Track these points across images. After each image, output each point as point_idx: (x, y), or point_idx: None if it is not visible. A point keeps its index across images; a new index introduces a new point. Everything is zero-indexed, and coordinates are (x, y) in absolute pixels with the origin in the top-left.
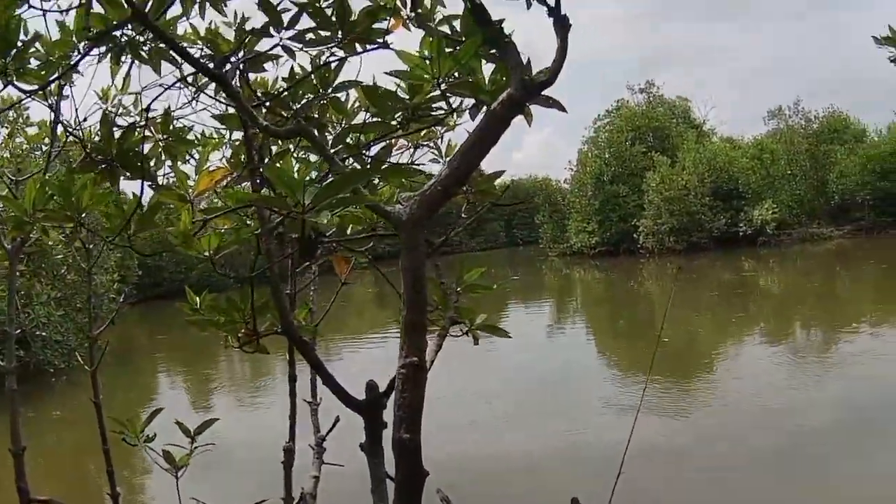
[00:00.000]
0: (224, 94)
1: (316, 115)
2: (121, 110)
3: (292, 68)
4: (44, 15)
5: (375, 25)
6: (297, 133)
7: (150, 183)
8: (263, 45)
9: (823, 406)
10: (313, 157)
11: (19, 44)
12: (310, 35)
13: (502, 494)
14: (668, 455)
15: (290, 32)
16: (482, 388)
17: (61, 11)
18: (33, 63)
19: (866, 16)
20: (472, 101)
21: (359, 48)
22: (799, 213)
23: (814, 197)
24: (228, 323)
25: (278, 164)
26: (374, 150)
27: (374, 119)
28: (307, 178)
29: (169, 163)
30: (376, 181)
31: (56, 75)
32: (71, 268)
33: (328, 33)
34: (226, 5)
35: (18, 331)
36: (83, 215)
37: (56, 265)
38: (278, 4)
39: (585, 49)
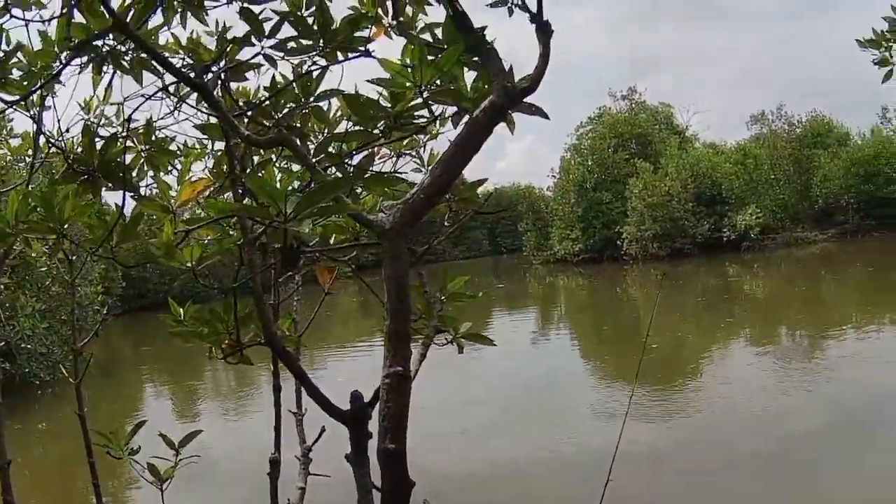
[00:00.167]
0: (206, 104)
1: (298, 125)
2: (103, 121)
3: (274, 77)
4: (26, 25)
5: (357, 34)
6: (279, 142)
7: (132, 194)
8: (245, 54)
9: (813, 410)
10: (296, 167)
11: (1, 54)
12: (291, 44)
13: (489, 502)
14: (655, 461)
15: (272, 41)
16: (467, 397)
17: (43, 21)
18: (15, 74)
19: (846, 20)
20: (455, 109)
21: (340, 56)
22: (783, 218)
23: (797, 201)
24: (212, 334)
25: (260, 174)
26: (357, 159)
27: (357, 128)
28: (289, 187)
29: (151, 173)
30: (359, 190)
31: (38, 85)
32: (55, 280)
33: (310, 42)
34: (207, 14)
35: (2, 343)
36: (65, 227)
37: (40, 277)
38: (260, 13)
39: (568, 56)
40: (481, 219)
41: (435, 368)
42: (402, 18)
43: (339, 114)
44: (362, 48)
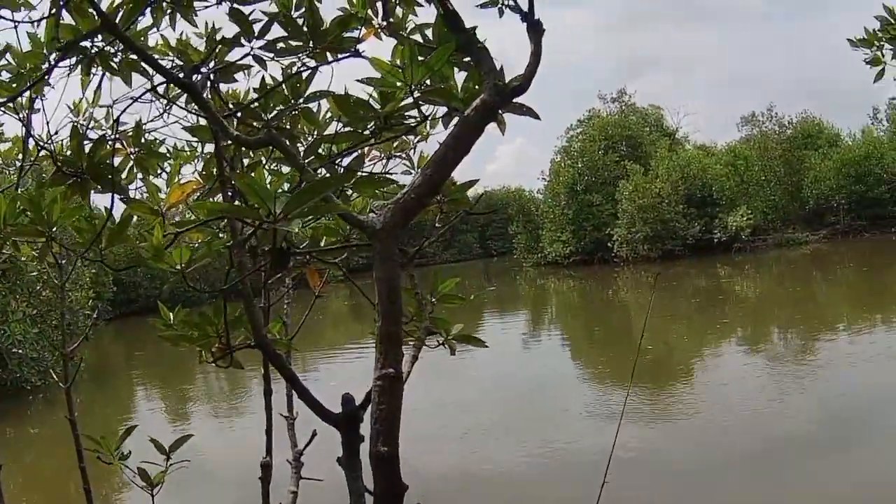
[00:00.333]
0: (195, 105)
1: (287, 126)
2: (92, 123)
3: (263, 79)
4: (15, 27)
5: (347, 35)
6: (268, 143)
7: (121, 196)
8: (234, 56)
9: (809, 410)
10: (286, 169)
11: None
12: (281, 44)
13: None
14: (650, 463)
15: (261, 42)
16: (459, 399)
17: (32, 23)
18: (4, 76)
19: (836, 22)
20: (445, 110)
21: (330, 57)
22: (774, 219)
23: (788, 202)
24: (202, 337)
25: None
26: (347, 161)
27: (346, 129)
28: (279, 189)
29: (140, 176)
30: (349, 192)
31: (26, 87)
32: (46, 284)
33: (299, 43)
34: (196, 15)
35: None
36: (54, 229)
37: (31, 282)
38: (249, 14)
39: (558, 58)
40: (472, 222)
41: (427, 371)
42: (391, 19)
43: (328, 115)
44: (352, 49)
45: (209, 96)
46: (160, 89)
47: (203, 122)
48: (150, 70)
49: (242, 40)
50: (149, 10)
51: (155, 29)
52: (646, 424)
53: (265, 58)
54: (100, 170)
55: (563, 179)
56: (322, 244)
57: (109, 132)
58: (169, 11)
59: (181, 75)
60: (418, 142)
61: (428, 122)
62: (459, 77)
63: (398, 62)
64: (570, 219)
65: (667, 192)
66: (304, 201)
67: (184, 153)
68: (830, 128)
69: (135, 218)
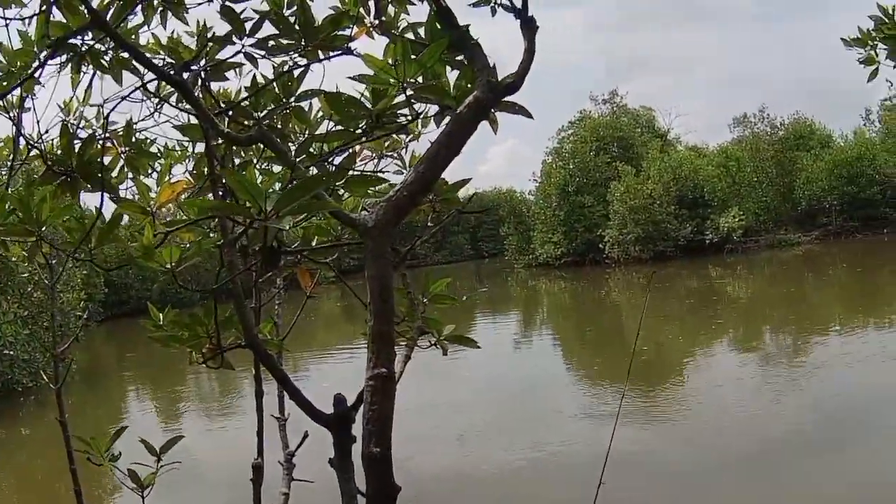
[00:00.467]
0: (185, 103)
1: (279, 126)
2: (83, 123)
3: (254, 77)
4: (6, 25)
5: (339, 33)
6: (259, 140)
7: (111, 195)
8: (225, 54)
9: (804, 411)
10: (277, 169)
11: None
12: (272, 42)
13: None
14: (645, 464)
15: (253, 40)
16: (452, 400)
17: (22, 20)
18: None
19: (830, 23)
20: (437, 109)
21: (322, 55)
22: (765, 220)
23: (780, 203)
24: (192, 338)
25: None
26: (338, 160)
27: (338, 128)
28: (270, 189)
29: (131, 175)
30: (341, 192)
31: (16, 84)
32: (37, 286)
33: (291, 41)
34: (187, 12)
35: None
36: (43, 229)
37: (22, 283)
38: (241, 13)
39: (552, 58)
40: (463, 223)
41: (418, 371)
42: (383, 18)
43: (319, 115)
44: (344, 46)
45: (200, 94)
46: (151, 87)
47: (194, 120)
48: (141, 68)
49: (234, 38)
50: (140, 7)
51: (146, 27)
52: (640, 425)
53: (256, 55)
54: (89, 168)
55: (555, 181)
56: (313, 244)
57: (100, 131)
58: (160, 9)
59: (172, 73)
60: (410, 141)
61: (420, 120)
62: (451, 77)
63: (390, 61)
64: (561, 220)
65: (658, 194)
66: (295, 198)
67: (174, 153)
68: (822, 129)
69: (126, 219)
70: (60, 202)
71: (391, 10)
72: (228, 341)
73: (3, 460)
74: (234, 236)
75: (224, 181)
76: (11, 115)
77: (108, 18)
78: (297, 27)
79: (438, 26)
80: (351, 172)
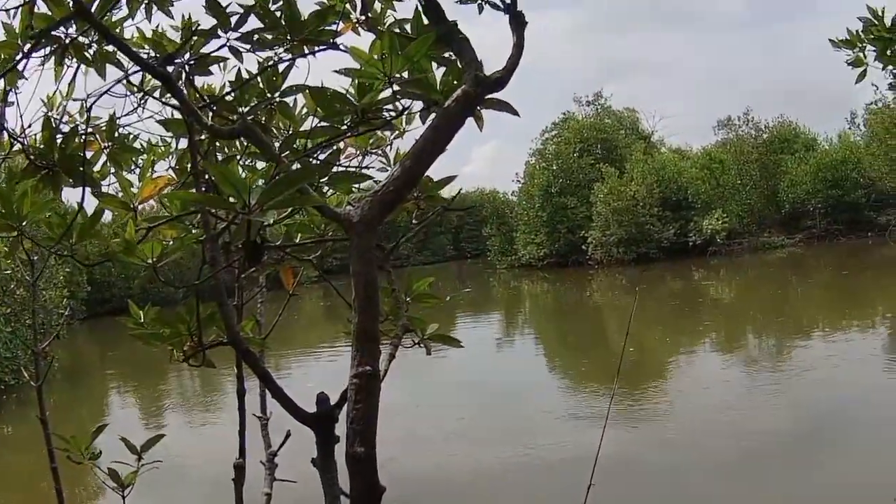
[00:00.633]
0: (169, 96)
1: (263, 121)
2: (66, 118)
3: (239, 72)
4: None
5: (324, 28)
6: (243, 133)
7: (93, 190)
8: (210, 49)
9: (791, 414)
10: (260, 165)
11: None
12: (257, 36)
13: None
14: (627, 465)
15: (238, 34)
16: (435, 400)
17: (7, 10)
18: None
19: (814, 27)
20: (422, 106)
21: (307, 50)
22: (749, 223)
23: (764, 206)
24: (173, 335)
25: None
26: (323, 157)
27: (322, 124)
28: (254, 184)
29: (113, 170)
30: (325, 189)
31: None
32: (19, 283)
33: (277, 35)
34: (172, 6)
35: None
36: (24, 223)
37: (4, 280)
38: (227, 7)
39: (533, 60)
40: (445, 224)
41: (401, 371)
42: (370, 14)
43: (304, 112)
44: (330, 41)
45: (184, 88)
46: (135, 80)
47: (177, 115)
48: (125, 63)
49: (219, 32)
50: (124, 0)
51: (130, 19)
52: (624, 428)
53: (241, 49)
54: (72, 162)
55: (538, 182)
56: (297, 241)
57: (82, 126)
58: (145, 2)
59: (156, 65)
60: (394, 138)
61: (405, 117)
62: (437, 74)
63: (376, 55)
64: (544, 221)
65: (642, 195)
66: (280, 192)
67: (157, 149)
68: (807, 132)
69: (109, 217)
70: (42, 197)
71: (377, 6)
72: (210, 339)
73: None
74: (217, 232)
75: (207, 176)
76: None
77: (92, 10)
78: (282, 21)
79: (425, 22)
80: (335, 169)
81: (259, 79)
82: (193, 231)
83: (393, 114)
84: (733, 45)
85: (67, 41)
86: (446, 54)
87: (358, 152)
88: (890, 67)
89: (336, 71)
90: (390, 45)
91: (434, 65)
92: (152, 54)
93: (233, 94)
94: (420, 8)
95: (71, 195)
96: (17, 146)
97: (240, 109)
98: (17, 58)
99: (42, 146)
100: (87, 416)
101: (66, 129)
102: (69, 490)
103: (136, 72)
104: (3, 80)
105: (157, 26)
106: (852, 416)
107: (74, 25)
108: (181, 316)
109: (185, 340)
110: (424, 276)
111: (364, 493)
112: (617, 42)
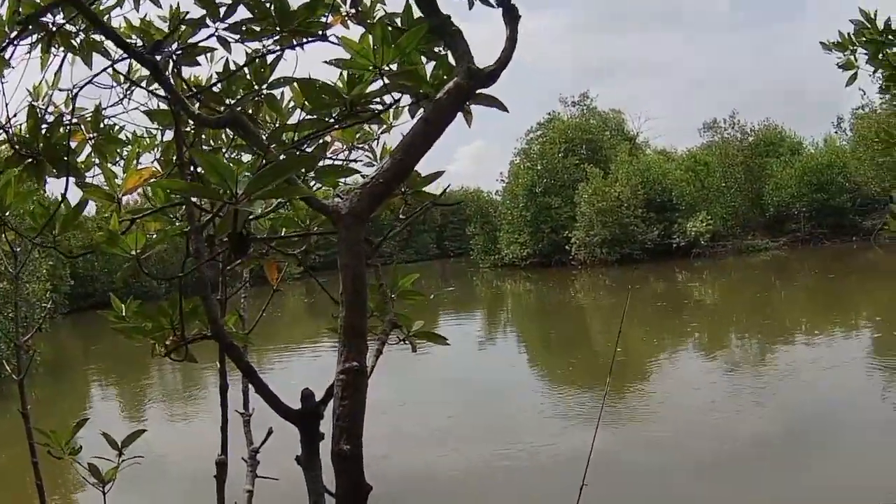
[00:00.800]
0: (156, 83)
1: (250, 113)
2: (52, 108)
3: (227, 64)
4: None
5: (314, 20)
6: (231, 122)
7: (76, 181)
8: (199, 39)
9: (777, 416)
10: (246, 157)
11: None
12: (246, 27)
13: None
14: (611, 465)
15: (227, 24)
16: (420, 398)
17: None
18: None
19: (803, 31)
20: (410, 100)
21: (296, 42)
22: (733, 226)
23: (749, 209)
24: (155, 329)
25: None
26: (310, 150)
27: (310, 117)
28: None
29: (98, 161)
30: (311, 183)
31: None
32: (2, 275)
33: (266, 26)
34: None
35: None
36: (7, 214)
37: None
38: None
39: (519, 60)
40: (429, 222)
41: (384, 369)
42: (360, 7)
43: (291, 105)
44: (319, 33)
45: (171, 78)
46: (121, 68)
47: (163, 106)
48: (112, 51)
49: (207, 21)
50: None
51: (118, 7)
52: (610, 428)
53: (230, 39)
54: (56, 151)
55: (522, 181)
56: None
57: (68, 115)
58: None
59: (144, 53)
60: (381, 133)
61: (392, 111)
62: (427, 70)
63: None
64: (528, 221)
65: (626, 196)
66: (267, 182)
67: (143, 140)
68: (793, 136)
69: (94, 210)
70: (26, 187)
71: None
72: (192, 333)
73: None
74: (202, 224)
75: (193, 167)
76: None
77: None
78: (272, 12)
79: (416, 14)
80: (322, 163)
81: (247, 70)
82: (177, 223)
83: (382, 106)
84: (720, 49)
85: (54, 28)
86: (436, 49)
87: (344, 147)
88: (881, 71)
89: (326, 61)
90: (382, 36)
91: (423, 59)
92: (140, 44)
93: (220, 85)
94: (413, 0)
95: (56, 189)
96: (2, 135)
97: (227, 101)
98: (4, 44)
99: (27, 135)
100: (69, 411)
101: (51, 118)
102: (51, 485)
103: (123, 58)
104: None
105: (145, 16)
106: (839, 419)
107: (62, 12)
108: (164, 309)
109: (168, 335)
110: (409, 274)
111: (350, 491)
112: (603, 43)
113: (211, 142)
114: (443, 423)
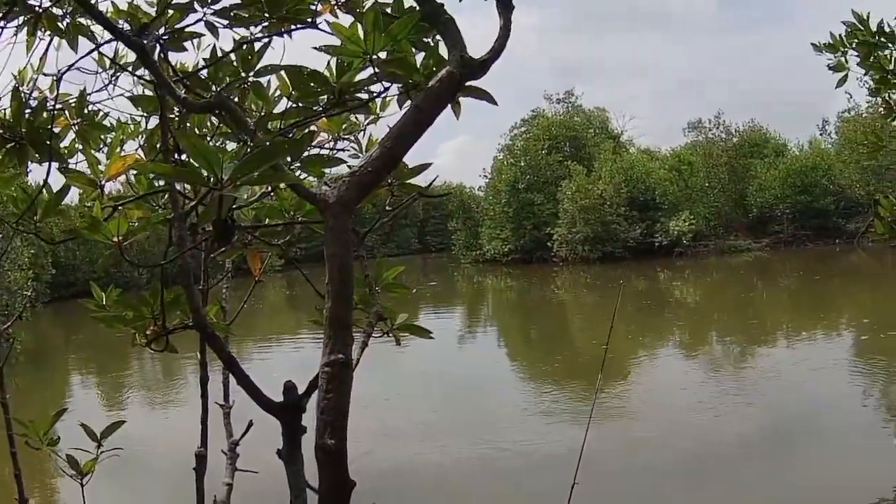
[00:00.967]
0: (143, 66)
1: (236, 100)
2: (36, 93)
3: (214, 51)
4: None
5: (302, 7)
6: (217, 107)
7: (59, 166)
8: (186, 24)
9: (761, 416)
10: (231, 146)
11: None
12: (234, 12)
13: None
14: (596, 464)
15: (215, 9)
16: (403, 392)
17: None
18: None
19: (791, 34)
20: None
21: (285, 28)
22: (716, 226)
23: (732, 209)
24: (136, 319)
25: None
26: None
27: (297, 105)
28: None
29: (81, 147)
30: (298, 173)
31: None
32: None
33: (254, 11)
34: None
35: None
36: None
37: None
38: None
39: (505, 56)
40: (411, 216)
41: (366, 362)
42: None
43: (278, 93)
44: (308, 20)
45: (158, 62)
46: (107, 60)
47: (149, 92)
48: (98, 35)
49: (195, 5)
50: None
51: None
52: (594, 426)
53: (218, 25)
54: (39, 136)
55: (505, 177)
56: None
57: (52, 100)
58: None
59: (131, 35)
60: (368, 124)
61: (380, 101)
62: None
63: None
64: (510, 217)
65: (609, 194)
66: (253, 168)
67: (127, 127)
68: (777, 138)
69: (76, 199)
70: (7, 172)
71: None
72: (174, 323)
73: None
74: (185, 210)
75: (177, 153)
76: None
77: None
78: None
79: (406, 6)
80: (307, 153)
81: (234, 57)
82: (160, 211)
83: (371, 95)
84: (707, 50)
85: (41, 10)
86: (426, 39)
87: (330, 137)
88: (871, 73)
89: (316, 48)
90: (374, 22)
91: (413, 49)
92: (127, 27)
93: (206, 72)
94: None
95: (39, 177)
96: None
97: (213, 87)
98: None
99: (10, 119)
100: (50, 400)
101: (35, 103)
102: (30, 475)
103: (109, 41)
104: None
105: (132, 1)
106: (823, 421)
107: None
108: (145, 299)
109: (149, 324)
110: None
111: (334, 487)
112: (587, 43)
113: (195, 129)
114: (426, 417)
